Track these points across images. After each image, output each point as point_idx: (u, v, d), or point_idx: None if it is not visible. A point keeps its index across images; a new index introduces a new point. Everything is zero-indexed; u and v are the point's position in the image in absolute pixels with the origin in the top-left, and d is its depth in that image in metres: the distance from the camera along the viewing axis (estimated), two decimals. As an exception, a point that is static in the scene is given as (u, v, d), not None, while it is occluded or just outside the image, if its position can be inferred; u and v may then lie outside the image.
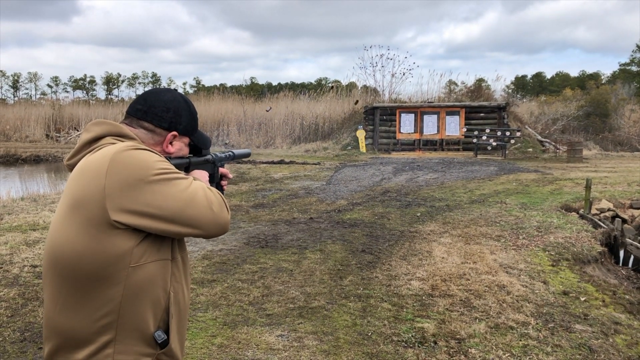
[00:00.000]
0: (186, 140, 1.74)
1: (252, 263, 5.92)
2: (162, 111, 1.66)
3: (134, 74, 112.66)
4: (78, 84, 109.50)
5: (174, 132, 1.68)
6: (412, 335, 4.04)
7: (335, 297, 4.85)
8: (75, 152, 1.60)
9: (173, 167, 1.53)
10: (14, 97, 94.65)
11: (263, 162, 17.46)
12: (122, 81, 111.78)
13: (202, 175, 1.80)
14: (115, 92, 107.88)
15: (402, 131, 21.56)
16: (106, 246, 1.44)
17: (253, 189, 11.67)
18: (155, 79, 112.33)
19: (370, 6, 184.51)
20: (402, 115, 21.53)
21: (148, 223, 1.45)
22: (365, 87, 28.26)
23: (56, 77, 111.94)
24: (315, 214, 8.75)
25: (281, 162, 17.44)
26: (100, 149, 1.53)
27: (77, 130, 28.62)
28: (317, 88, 31.63)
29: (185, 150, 1.75)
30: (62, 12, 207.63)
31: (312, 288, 5.09)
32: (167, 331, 1.55)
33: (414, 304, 4.70)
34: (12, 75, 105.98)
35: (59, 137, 28.00)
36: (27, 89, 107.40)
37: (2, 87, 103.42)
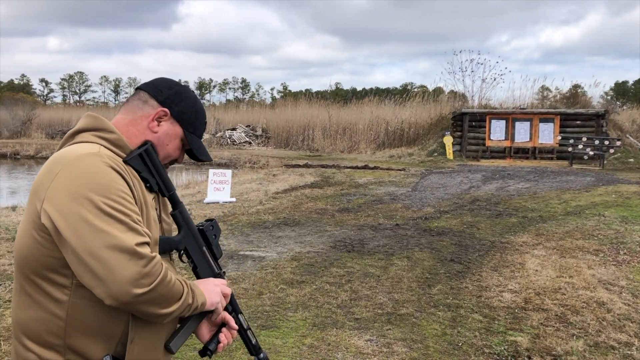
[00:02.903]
0: (179, 131, 1.54)
1: (339, 267, 5.99)
2: (164, 87, 1.54)
3: (224, 80, 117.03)
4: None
5: (165, 109, 1.51)
6: (504, 349, 3.93)
7: (424, 306, 4.81)
8: (61, 143, 1.48)
9: (128, 206, 1.31)
10: (115, 100, 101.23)
11: (347, 167, 17.56)
12: (214, 86, 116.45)
13: (210, 288, 1.50)
14: (207, 97, 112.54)
15: (492, 138, 20.91)
16: (42, 251, 1.34)
17: (338, 193, 11.78)
18: (245, 84, 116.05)
19: (464, 9, 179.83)
20: (493, 121, 20.89)
21: (55, 237, 1.30)
22: (452, 92, 27.70)
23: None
24: (401, 220, 8.70)
25: (365, 167, 17.46)
26: (74, 143, 1.42)
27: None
28: (403, 93, 31.37)
29: (174, 146, 1.54)
30: (163, 19, 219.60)
31: (400, 295, 5.08)
32: (120, 357, 1.39)
33: (506, 317, 4.56)
34: (114, 80, 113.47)
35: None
36: (126, 93, 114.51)
37: (105, 91, 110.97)
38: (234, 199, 10.68)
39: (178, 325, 1.51)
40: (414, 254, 6.56)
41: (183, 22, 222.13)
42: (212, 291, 1.50)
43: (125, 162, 1.41)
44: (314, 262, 6.15)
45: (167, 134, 1.52)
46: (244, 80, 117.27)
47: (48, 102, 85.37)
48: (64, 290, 1.34)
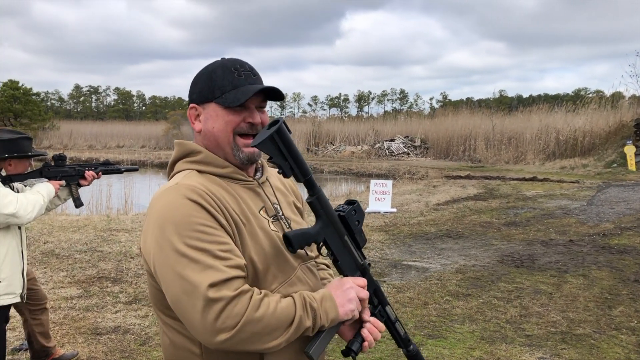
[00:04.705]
0: (211, 106, 1.37)
1: (507, 282, 5.80)
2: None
3: (383, 91, 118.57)
4: (333, 102, 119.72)
5: (192, 104, 1.41)
6: (703, 382, 3.53)
7: (604, 327, 4.48)
8: (167, 174, 1.48)
9: (207, 238, 1.21)
10: (281, 115, 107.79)
11: (513, 179, 16.76)
12: (372, 98, 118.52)
13: (342, 293, 1.34)
14: (365, 108, 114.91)
15: (683, 147, 18.49)
16: (158, 292, 1.32)
17: (503, 206, 11.32)
18: (403, 94, 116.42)
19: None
20: (685, 128, 18.48)
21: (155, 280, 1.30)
22: (635, 97, 25.02)
23: (315, 97, 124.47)
24: (575, 236, 8.13)
25: (534, 179, 16.51)
26: (174, 174, 1.41)
27: (332, 145, 31.30)
28: (576, 99, 29.09)
29: (222, 123, 1.37)
30: (327, 36, 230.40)
31: (576, 314, 4.79)
32: None
33: None
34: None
35: (317, 150, 30.98)
36: (291, 107, 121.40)
37: (272, 106, 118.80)
38: (394, 210, 10.83)
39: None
40: (590, 272, 6.11)
41: (346, 37, 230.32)
42: (344, 298, 1.33)
43: (255, 147, 1.29)
44: (480, 276, 6.03)
45: (207, 120, 1.38)
46: (402, 91, 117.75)
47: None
48: None
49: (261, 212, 1.39)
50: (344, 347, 1.41)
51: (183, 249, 1.19)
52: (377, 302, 1.46)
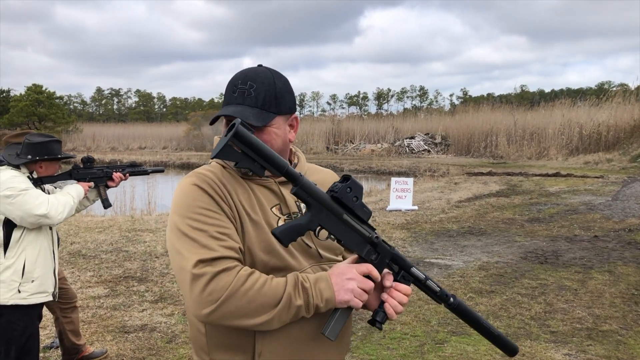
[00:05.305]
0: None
1: (531, 278, 5.76)
2: None
3: (402, 89, 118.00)
4: (352, 100, 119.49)
5: None
6: None
7: (631, 323, 4.44)
8: None
9: (207, 220, 1.29)
10: (300, 114, 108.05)
11: (536, 175, 16.58)
12: (392, 96, 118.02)
13: (341, 282, 1.31)
14: (385, 106, 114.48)
15: None
16: None
17: (526, 202, 11.22)
18: (423, 91, 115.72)
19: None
20: None
21: None
22: (660, 89, 24.49)
23: (334, 95, 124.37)
24: (600, 232, 8.03)
25: (557, 174, 16.32)
26: None
27: (352, 143, 31.27)
28: (599, 93, 28.64)
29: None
30: (346, 34, 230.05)
31: (602, 310, 4.74)
32: None
33: None
34: (298, 95, 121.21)
35: (337, 149, 30.97)
36: (310, 106, 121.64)
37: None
38: (416, 207, 10.80)
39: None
40: (616, 268, 6.04)
41: (364, 35, 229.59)
42: (342, 286, 1.30)
43: (214, 158, 1.30)
44: (504, 273, 6.00)
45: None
46: (422, 88, 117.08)
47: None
48: None
49: (273, 209, 1.40)
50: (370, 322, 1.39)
51: (184, 228, 1.28)
52: (397, 269, 1.39)
